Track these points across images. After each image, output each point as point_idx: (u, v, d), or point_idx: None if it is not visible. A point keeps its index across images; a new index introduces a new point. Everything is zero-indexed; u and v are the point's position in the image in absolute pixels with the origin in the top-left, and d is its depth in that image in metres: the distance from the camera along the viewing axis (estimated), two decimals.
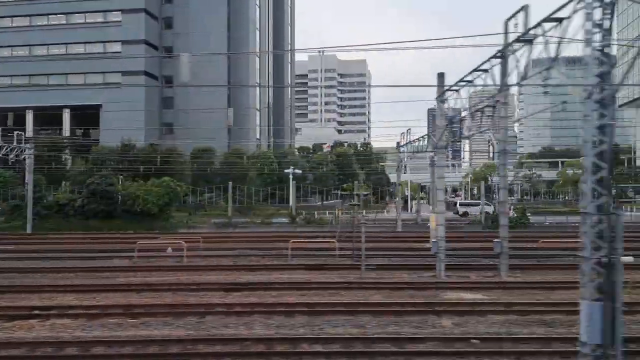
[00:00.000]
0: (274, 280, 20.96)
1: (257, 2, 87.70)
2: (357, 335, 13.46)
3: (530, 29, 17.03)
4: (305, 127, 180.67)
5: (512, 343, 12.83)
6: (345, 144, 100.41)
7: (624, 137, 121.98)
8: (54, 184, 59.50)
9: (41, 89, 76.07)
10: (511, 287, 20.34)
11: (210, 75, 71.02)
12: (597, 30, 10.22)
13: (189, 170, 63.16)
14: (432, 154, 35.72)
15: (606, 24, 10.25)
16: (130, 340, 12.88)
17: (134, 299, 17.61)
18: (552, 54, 15.12)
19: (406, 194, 69.58)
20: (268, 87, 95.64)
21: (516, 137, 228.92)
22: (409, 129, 47.94)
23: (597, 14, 10.19)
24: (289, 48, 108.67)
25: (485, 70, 21.41)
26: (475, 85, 22.85)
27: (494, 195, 78.57)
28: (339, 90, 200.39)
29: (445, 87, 23.68)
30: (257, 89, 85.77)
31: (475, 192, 65.73)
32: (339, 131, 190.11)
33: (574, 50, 14.23)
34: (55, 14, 76.79)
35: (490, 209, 59.87)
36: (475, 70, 21.78)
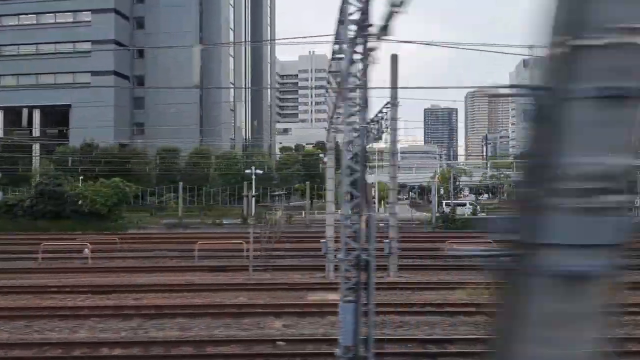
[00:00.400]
0: (156, 282, 20.85)
1: (232, 2, 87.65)
2: (174, 339, 13.38)
3: None
4: (296, 127, 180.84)
5: (315, 345, 12.74)
6: (311, 145, 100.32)
7: None
8: (22, 184, 59.45)
9: (12, 89, 76.23)
10: (387, 287, 20.21)
11: (182, 75, 71.22)
12: None
13: (153, 171, 63.20)
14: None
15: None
16: None
17: None
18: None
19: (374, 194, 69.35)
20: (245, 88, 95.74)
21: (508, 137, 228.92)
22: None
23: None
24: (269, 48, 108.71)
25: None
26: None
27: (461, 194, 78.64)
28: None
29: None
30: (232, 89, 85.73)
31: (442, 192, 65.46)
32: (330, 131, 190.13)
33: None
34: (26, 14, 76.88)
35: (477, 209, 60.09)
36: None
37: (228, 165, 66.19)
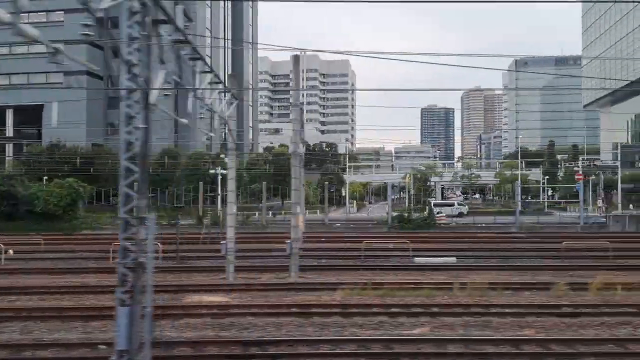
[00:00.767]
0: (35, 284, 20.59)
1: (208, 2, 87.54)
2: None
3: None
4: (287, 127, 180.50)
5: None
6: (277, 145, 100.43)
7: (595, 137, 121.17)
8: None
9: None
10: (281, 288, 19.99)
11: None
12: None
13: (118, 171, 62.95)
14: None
15: None
16: None
17: None
18: None
19: (344, 194, 69.37)
20: (227, 90, 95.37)
21: (501, 137, 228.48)
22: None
23: None
24: (251, 47, 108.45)
25: None
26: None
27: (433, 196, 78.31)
28: (321, 90, 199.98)
29: None
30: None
31: (412, 192, 65.30)
32: (322, 132, 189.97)
33: None
34: None
35: (464, 209, 60.12)
36: None
37: (196, 165, 66.06)
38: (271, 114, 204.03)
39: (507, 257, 27.67)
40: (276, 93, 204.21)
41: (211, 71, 18.75)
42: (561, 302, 16.68)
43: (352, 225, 48.97)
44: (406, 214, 47.61)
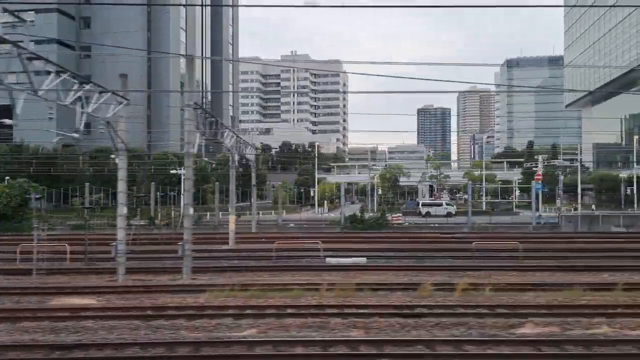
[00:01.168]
0: None
1: (184, 1, 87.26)
2: None
3: None
4: (277, 127, 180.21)
5: None
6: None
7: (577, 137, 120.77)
8: None
9: None
10: (161, 290, 19.68)
11: (131, 75, 70.76)
12: None
13: (83, 172, 63.00)
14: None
15: None
16: None
17: None
18: None
19: (312, 194, 69.11)
20: (204, 91, 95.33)
21: (493, 137, 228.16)
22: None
23: None
24: (231, 48, 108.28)
25: None
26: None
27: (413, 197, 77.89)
28: (312, 90, 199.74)
29: None
30: (180, 89, 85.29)
31: (379, 192, 65.01)
32: (313, 131, 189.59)
33: None
34: None
35: (452, 209, 59.70)
36: None
37: (162, 166, 65.89)
38: (262, 114, 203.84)
39: (422, 257, 27.35)
40: (267, 93, 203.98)
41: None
42: (413, 302, 16.40)
43: (305, 226, 48.67)
44: (359, 215, 47.31)
